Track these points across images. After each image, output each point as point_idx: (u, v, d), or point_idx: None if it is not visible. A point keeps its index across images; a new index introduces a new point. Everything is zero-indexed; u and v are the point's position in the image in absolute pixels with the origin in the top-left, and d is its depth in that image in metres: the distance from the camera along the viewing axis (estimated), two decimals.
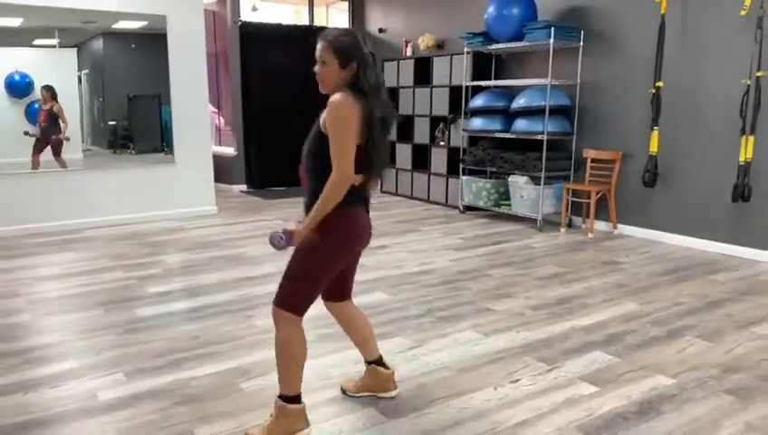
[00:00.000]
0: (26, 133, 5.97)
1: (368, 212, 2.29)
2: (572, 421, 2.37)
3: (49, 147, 6.08)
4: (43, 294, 3.97)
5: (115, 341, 3.18)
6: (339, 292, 2.45)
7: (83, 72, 6.57)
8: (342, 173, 2.03)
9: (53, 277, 4.34)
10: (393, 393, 2.55)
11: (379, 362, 2.55)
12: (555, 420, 2.38)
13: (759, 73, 4.51)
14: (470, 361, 2.94)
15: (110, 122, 6.93)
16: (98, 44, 6.74)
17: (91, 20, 6.08)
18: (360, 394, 2.55)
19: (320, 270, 2.19)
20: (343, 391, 2.59)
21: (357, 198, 2.17)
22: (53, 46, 6.26)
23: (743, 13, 4.52)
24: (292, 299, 2.18)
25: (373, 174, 2.18)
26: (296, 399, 2.23)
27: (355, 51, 2.09)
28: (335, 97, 2.04)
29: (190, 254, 5.00)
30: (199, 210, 6.56)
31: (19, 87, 6.01)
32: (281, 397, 2.22)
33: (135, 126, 7.03)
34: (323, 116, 2.07)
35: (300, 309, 2.18)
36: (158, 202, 6.35)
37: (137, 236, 5.66)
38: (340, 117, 2.02)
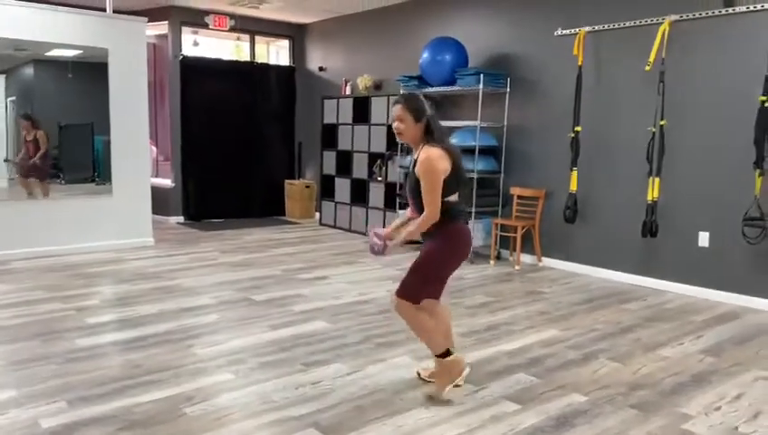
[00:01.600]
0: (6, 160, 5.91)
1: (467, 223, 3.01)
2: None
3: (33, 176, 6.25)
4: None
5: (56, 370, 3.20)
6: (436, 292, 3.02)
7: (10, 98, 6.49)
8: (431, 213, 2.76)
9: None
10: (466, 371, 3.04)
11: (448, 352, 2.99)
12: None
13: (662, 122, 5.03)
14: (405, 383, 3.15)
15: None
16: (28, 71, 6.69)
17: (23, 47, 6.04)
18: (431, 379, 3.07)
19: (437, 269, 2.91)
20: (418, 375, 3.16)
21: (458, 213, 2.90)
22: None
23: (647, 68, 5.05)
24: (410, 290, 2.88)
25: (462, 193, 2.92)
26: (447, 353, 2.94)
27: (424, 109, 2.82)
28: (422, 154, 2.77)
29: (128, 285, 5.01)
30: (136, 241, 6.53)
31: None
32: (437, 356, 2.94)
33: (66, 155, 6.95)
34: (417, 167, 2.78)
35: (417, 299, 2.89)
36: (93, 233, 6.29)
37: (71, 267, 5.59)
38: (428, 169, 2.73)
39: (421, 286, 2.90)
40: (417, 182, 2.78)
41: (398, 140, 2.94)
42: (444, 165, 2.75)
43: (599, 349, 3.74)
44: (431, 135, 2.80)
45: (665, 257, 5.23)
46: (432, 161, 2.72)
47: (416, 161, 2.82)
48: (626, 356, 3.62)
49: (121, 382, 3.06)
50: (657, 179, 5.10)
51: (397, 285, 2.94)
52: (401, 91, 6.82)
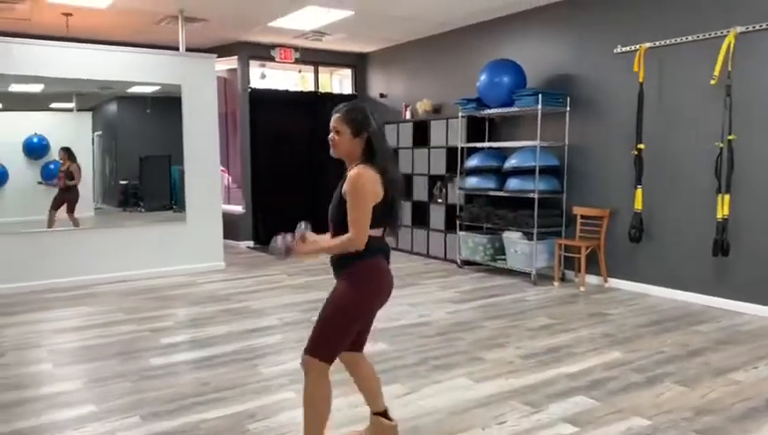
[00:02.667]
0: (40, 182, 6.33)
1: (388, 263, 2.49)
2: None
3: (65, 204, 6.45)
4: (63, 345, 4.23)
5: (131, 387, 3.42)
6: (354, 342, 2.55)
7: (97, 133, 7.00)
8: (356, 237, 2.30)
9: (71, 329, 4.60)
10: None
11: (384, 414, 2.68)
12: None
13: (730, 137, 4.86)
14: (461, 405, 3.16)
15: (122, 181, 7.33)
16: (112, 108, 7.20)
17: (108, 86, 6.54)
18: None
19: (350, 318, 2.39)
20: None
21: (378, 249, 2.40)
22: (71, 110, 6.72)
23: (712, 82, 4.91)
24: (322, 346, 2.37)
25: (390, 228, 2.47)
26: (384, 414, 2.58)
27: (367, 122, 2.39)
28: (354, 170, 2.34)
29: (200, 307, 5.26)
30: (208, 266, 6.86)
31: (37, 149, 6.43)
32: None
33: (145, 185, 7.41)
34: (345, 184, 2.35)
35: (329, 356, 2.37)
36: (168, 258, 6.65)
37: (148, 290, 5.93)
38: (356, 188, 2.29)
39: (335, 340, 2.38)
40: (341, 202, 2.34)
41: (331, 153, 2.46)
42: (375, 189, 2.32)
43: (664, 372, 3.62)
44: (372, 155, 2.37)
45: (738, 277, 5.00)
46: (363, 179, 2.30)
47: (344, 179, 2.38)
48: (693, 380, 3.49)
49: (191, 399, 3.23)
50: (726, 196, 4.91)
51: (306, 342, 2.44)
52: (460, 115, 6.89)
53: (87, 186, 6.75)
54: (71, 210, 6.49)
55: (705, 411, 3.05)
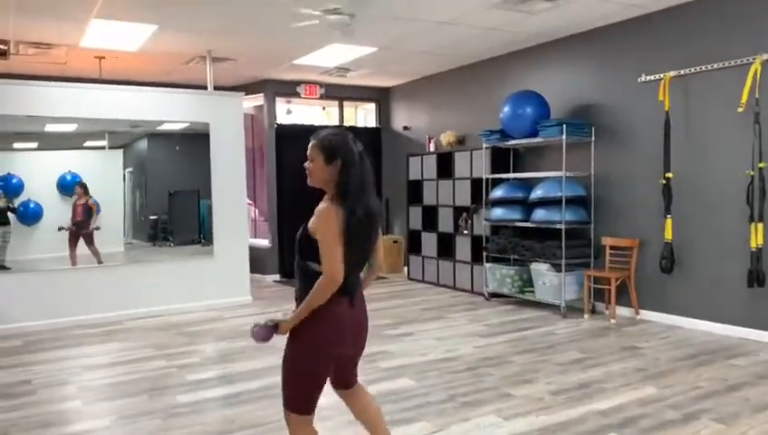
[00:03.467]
0: (60, 228, 6.46)
1: (353, 306, 2.32)
2: None
3: (81, 238, 6.54)
4: (92, 381, 4.27)
5: (160, 425, 3.42)
6: (341, 381, 2.54)
7: (128, 169, 7.17)
8: (329, 275, 2.17)
9: (100, 366, 4.65)
10: None
11: None
12: None
13: (761, 165, 4.77)
14: None
15: (151, 216, 7.46)
16: (143, 145, 7.38)
17: (139, 124, 6.72)
18: None
19: (309, 369, 2.28)
20: None
21: (338, 291, 2.22)
22: (103, 148, 6.90)
23: (740, 110, 4.84)
24: (294, 400, 2.32)
25: (352, 270, 2.29)
26: None
27: (340, 150, 2.26)
28: (320, 206, 2.26)
29: (226, 343, 5.28)
30: (235, 300, 6.90)
31: (70, 186, 6.60)
32: None
33: (174, 220, 7.53)
34: (312, 220, 2.27)
35: (305, 408, 2.31)
36: (196, 293, 6.72)
37: (176, 326, 5.98)
38: (322, 224, 2.21)
39: (305, 392, 2.32)
40: (308, 240, 2.26)
41: (308, 182, 2.40)
42: (336, 227, 2.20)
43: (701, 409, 3.50)
44: (344, 186, 2.26)
45: None
46: (326, 215, 2.22)
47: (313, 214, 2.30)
48: (732, 417, 3.37)
49: None
50: (760, 225, 4.79)
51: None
52: (484, 146, 6.90)
53: (118, 221, 6.90)
54: (90, 243, 6.60)
55: None
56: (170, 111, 6.66)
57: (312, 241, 2.23)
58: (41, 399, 3.92)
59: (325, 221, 2.21)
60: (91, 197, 6.65)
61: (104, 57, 6.91)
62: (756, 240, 4.80)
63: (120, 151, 7.11)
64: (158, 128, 7.02)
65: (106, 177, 6.84)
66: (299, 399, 2.31)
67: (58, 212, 6.42)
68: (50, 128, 6.38)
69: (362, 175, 2.29)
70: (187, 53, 6.90)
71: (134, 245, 7.17)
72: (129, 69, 7.49)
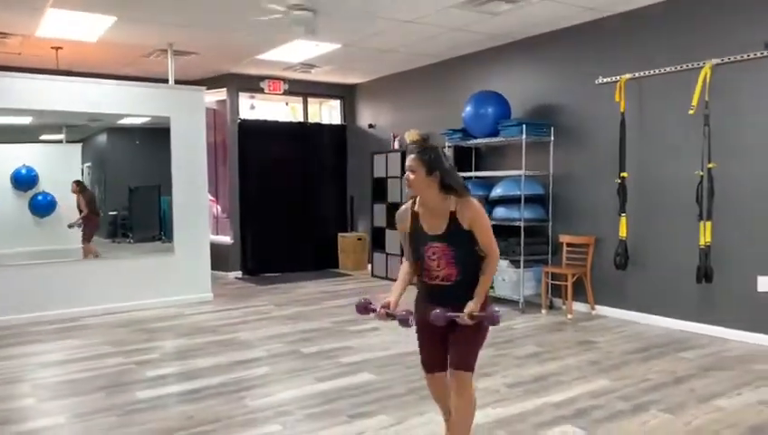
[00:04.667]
0: (71, 226, 6.53)
1: None
2: None
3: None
4: (47, 379, 4.19)
5: (116, 422, 3.38)
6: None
7: (87, 164, 7.03)
8: (497, 253, 2.65)
9: (56, 363, 4.56)
10: None
11: None
12: None
13: (710, 165, 4.96)
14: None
15: (111, 212, 7.33)
16: (102, 139, 7.24)
17: (98, 118, 6.58)
18: None
19: (485, 336, 2.70)
20: None
21: None
22: (60, 141, 6.75)
23: (691, 112, 5.02)
24: (474, 362, 2.66)
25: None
26: None
27: (437, 161, 2.57)
28: (472, 201, 2.61)
29: (187, 339, 5.23)
30: (196, 297, 6.82)
31: (25, 180, 6.44)
32: None
33: (135, 216, 7.42)
34: (463, 217, 2.56)
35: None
36: (156, 290, 6.62)
37: (136, 322, 5.89)
38: (481, 214, 2.60)
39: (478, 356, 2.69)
40: (466, 234, 2.57)
41: (407, 191, 2.69)
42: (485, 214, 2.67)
43: (650, 400, 3.64)
44: (452, 190, 2.59)
45: (723, 303, 5.05)
46: (480, 206, 2.62)
47: (452, 215, 2.58)
48: (679, 407, 3.51)
49: (176, 433, 3.21)
50: (708, 223, 4.98)
51: (457, 358, 2.63)
52: (447, 145, 6.99)
53: (76, 217, 6.75)
54: (87, 239, 6.66)
55: None
56: (130, 104, 6.53)
57: (468, 233, 2.58)
58: None
59: (482, 211, 2.61)
60: (81, 192, 6.61)
61: (61, 48, 6.75)
62: (705, 238, 4.99)
63: (79, 146, 6.97)
64: (118, 122, 6.89)
65: (64, 171, 6.68)
66: (475, 360, 2.67)
67: (12, 207, 6.26)
68: (3, 120, 6.20)
69: (460, 180, 2.66)
70: (148, 46, 6.79)
71: (93, 241, 7.02)
72: (87, 60, 7.33)
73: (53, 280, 6.12)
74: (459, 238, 2.58)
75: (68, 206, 6.64)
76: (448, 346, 2.66)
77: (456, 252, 2.58)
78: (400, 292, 2.70)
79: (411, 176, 2.57)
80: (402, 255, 2.83)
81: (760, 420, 3.32)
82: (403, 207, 2.75)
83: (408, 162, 2.59)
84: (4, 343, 5.17)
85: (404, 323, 2.56)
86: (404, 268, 2.79)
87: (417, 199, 2.66)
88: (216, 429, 3.26)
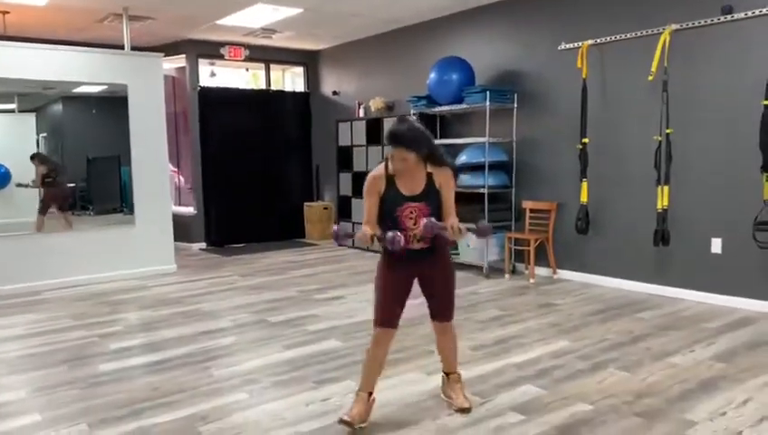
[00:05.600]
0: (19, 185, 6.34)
1: None
2: None
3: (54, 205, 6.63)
4: (7, 353, 4.10)
5: (79, 395, 3.35)
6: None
7: (42, 135, 6.80)
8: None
9: (16, 338, 4.47)
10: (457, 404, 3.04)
11: (448, 374, 3.15)
12: None
13: (668, 130, 5.06)
14: (413, 397, 3.22)
15: (70, 184, 7.13)
16: (57, 108, 7.00)
17: (51, 86, 6.34)
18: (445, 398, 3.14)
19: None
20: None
21: None
22: (12, 111, 6.50)
23: (650, 78, 5.10)
24: (454, 309, 3.07)
25: None
26: None
27: (426, 142, 2.74)
28: (447, 168, 2.83)
29: (150, 311, 5.18)
30: (159, 269, 6.73)
31: None
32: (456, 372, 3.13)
33: (94, 187, 7.23)
34: (437, 176, 2.80)
35: None
36: (118, 262, 6.51)
37: (98, 295, 5.80)
38: (451, 175, 2.83)
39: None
40: (438, 193, 2.82)
41: (397, 172, 2.79)
42: None
43: (608, 359, 3.76)
44: (437, 160, 2.83)
45: (678, 265, 5.22)
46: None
47: (429, 176, 2.80)
48: (635, 365, 3.64)
49: (140, 404, 3.19)
50: (666, 187, 5.11)
51: (444, 311, 3.05)
52: (412, 112, 6.96)
53: (32, 189, 6.56)
54: (63, 209, 6.63)
55: (644, 394, 3.19)
56: (84, 71, 6.30)
57: (439, 192, 2.82)
58: None
59: (452, 177, 2.84)
60: (44, 164, 6.45)
61: (8, 12, 6.44)
62: (662, 202, 5.13)
63: (33, 115, 6.72)
64: (73, 90, 6.66)
65: (17, 142, 6.46)
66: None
67: None
68: None
69: (442, 150, 2.87)
70: (102, 9, 6.52)
71: (51, 214, 6.83)
72: (37, 25, 7.02)
73: (11, 254, 5.95)
74: (434, 198, 2.79)
75: (23, 178, 6.43)
76: (427, 299, 3.00)
77: (431, 210, 2.77)
78: (374, 227, 2.82)
79: (402, 163, 2.70)
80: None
81: (710, 374, 3.47)
82: (376, 170, 2.83)
83: (397, 153, 2.68)
84: None
85: (393, 244, 2.61)
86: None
87: (391, 163, 2.76)
88: (181, 399, 3.26)
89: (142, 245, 6.65)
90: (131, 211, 6.73)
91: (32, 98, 6.58)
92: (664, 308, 4.92)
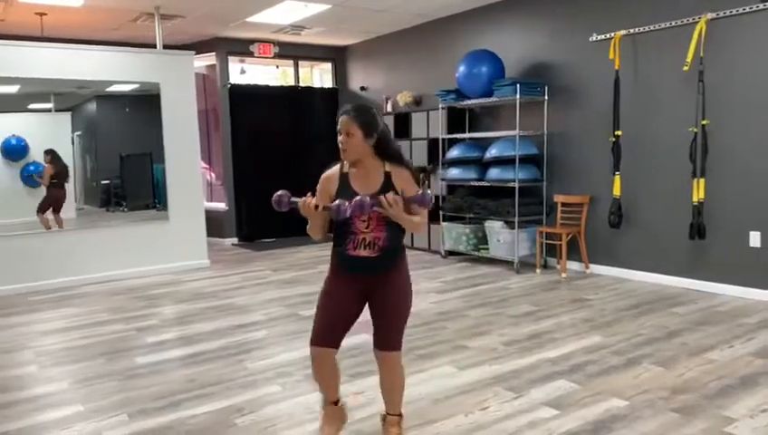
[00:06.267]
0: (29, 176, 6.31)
1: None
2: None
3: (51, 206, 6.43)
4: (49, 346, 4.23)
5: (117, 386, 3.43)
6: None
7: (76, 133, 6.94)
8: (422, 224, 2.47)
9: (57, 331, 4.60)
10: None
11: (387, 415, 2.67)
12: None
13: (704, 122, 4.95)
14: (445, 392, 3.22)
15: (103, 181, 7.28)
16: (91, 107, 7.14)
17: (86, 85, 6.49)
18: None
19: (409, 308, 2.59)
20: None
21: None
22: (49, 110, 6.65)
23: (685, 68, 4.99)
24: (402, 338, 2.58)
25: None
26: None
27: (375, 122, 2.41)
28: (405, 168, 2.46)
29: (185, 305, 5.28)
30: (192, 264, 6.85)
31: (15, 150, 6.37)
32: (400, 414, 2.64)
33: (127, 184, 7.36)
34: (397, 177, 2.42)
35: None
36: (152, 257, 6.64)
37: (133, 290, 5.93)
38: (411, 179, 2.44)
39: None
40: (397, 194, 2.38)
41: (343, 156, 2.46)
42: None
43: (642, 354, 3.71)
44: (388, 156, 2.46)
45: (715, 259, 5.11)
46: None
47: (387, 175, 2.44)
48: (670, 361, 3.58)
49: (177, 396, 3.26)
50: (701, 180, 5.00)
51: (387, 338, 2.54)
52: (440, 106, 6.94)
53: (68, 186, 6.71)
54: (57, 211, 6.47)
55: (681, 390, 3.14)
56: (118, 70, 6.44)
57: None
58: None
59: (412, 178, 2.45)
60: (52, 163, 6.48)
61: (46, 13, 6.60)
62: (698, 195, 5.02)
63: (68, 114, 6.86)
64: (107, 89, 6.79)
65: (54, 140, 6.60)
66: (402, 335, 2.58)
67: (2, 178, 6.21)
68: None
69: (395, 144, 2.52)
70: (134, 9, 6.64)
71: (86, 210, 6.99)
72: (72, 26, 7.19)
73: (51, 249, 6.13)
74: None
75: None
76: (373, 322, 2.53)
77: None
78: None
79: (346, 139, 2.37)
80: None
81: (749, 370, 3.39)
82: (329, 170, 2.52)
83: (341, 124, 2.38)
84: (4, 312, 5.20)
85: (339, 212, 2.25)
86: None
87: (347, 163, 2.47)
88: (217, 391, 3.32)
89: (176, 240, 6.77)
90: (164, 207, 6.85)
91: (67, 97, 6.72)
92: (700, 303, 4.83)
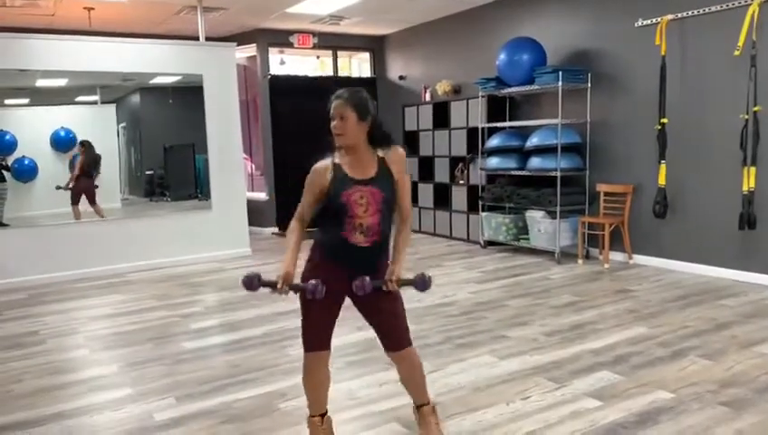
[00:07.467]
0: (58, 187, 6.42)
1: None
2: (576, 431, 2.63)
3: (84, 196, 6.59)
4: (98, 331, 4.38)
5: (165, 371, 3.54)
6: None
7: (121, 125, 7.13)
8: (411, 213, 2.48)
9: (106, 317, 4.76)
10: None
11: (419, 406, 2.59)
12: (560, 431, 2.64)
13: (756, 108, 4.78)
14: (485, 381, 3.22)
15: (147, 172, 7.47)
16: (135, 99, 7.32)
17: (130, 78, 6.65)
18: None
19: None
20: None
21: None
22: (95, 103, 6.84)
23: (736, 53, 4.82)
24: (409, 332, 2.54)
25: None
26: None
27: (369, 106, 2.36)
28: (401, 150, 2.43)
29: (228, 293, 5.38)
30: (234, 252, 6.98)
31: (64, 142, 6.57)
32: (430, 402, 2.58)
33: (171, 174, 7.54)
34: (392, 162, 2.39)
35: None
36: (196, 246, 6.79)
37: (178, 277, 6.07)
38: (405, 167, 2.41)
39: None
40: (393, 185, 2.38)
41: (336, 142, 2.40)
42: None
43: (689, 346, 3.63)
44: (382, 139, 2.43)
45: (766, 250, 4.94)
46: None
47: (381, 160, 2.40)
48: (719, 353, 3.49)
49: (222, 381, 3.34)
50: (752, 168, 4.84)
51: (397, 338, 2.47)
52: (480, 94, 6.87)
53: (113, 177, 6.91)
54: (92, 201, 6.63)
55: (730, 384, 3.06)
56: (162, 63, 6.58)
57: (394, 182, 2.39)
58: (49, 348, 4.03)
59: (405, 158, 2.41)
60: (85, 154, 6.60)
61: (93, 8, 6.78)
62: (748, 183, 4.86)
63: (113, 106, 7.05)
64: (151, 81, 6.94)
65: (100, 132, 6.79)
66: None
67: (52, 168, 6.42)
68: (41, 83, 6.31)
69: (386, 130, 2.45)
70: (177, 2, 6.76)
71: (131, 201, 7.20)
72: (118, 20, 7.36)
73: (98, 238, 6.32)
74: (388, 182, 2.36)
75: (106, 164, 6.78)
76: (372, 323, 2.48)
77: (384, 196, 2.34)
78: (295, 259, 2.43)
79: (340, 123, 2.31)
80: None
81: None
82: (319, 163, 2.46)
83: (335, 108, 2.33)
84: (53, 298, 5.39)
85: (314, 294, 2.29)
86: (295, 231, 2.56)
87: (338, 154, 2.42)
88: (260, 377, 3.38)
89: (219, 229, 6.91)
90: (206, 197, 6.99)
91: (112, 89, 6.90)
92: (750, 295, 4.69)
